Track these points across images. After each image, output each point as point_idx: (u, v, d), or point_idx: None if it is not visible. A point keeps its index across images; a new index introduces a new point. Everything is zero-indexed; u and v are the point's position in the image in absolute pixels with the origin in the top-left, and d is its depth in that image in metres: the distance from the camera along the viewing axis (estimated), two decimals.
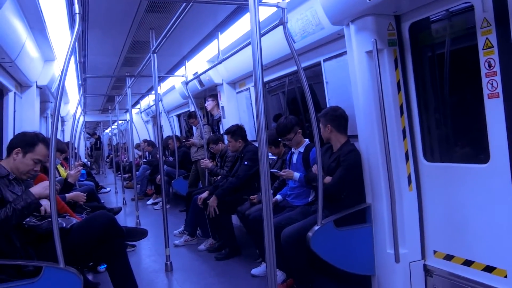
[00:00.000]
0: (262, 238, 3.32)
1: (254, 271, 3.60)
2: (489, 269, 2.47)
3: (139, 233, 3.76)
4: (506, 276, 2.37)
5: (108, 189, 10.10)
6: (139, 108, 11.88)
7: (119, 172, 10.93)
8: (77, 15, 2.36)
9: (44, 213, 2.56)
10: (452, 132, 2.85)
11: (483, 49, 2.31)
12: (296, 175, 3.44)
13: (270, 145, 3.98)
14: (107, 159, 19.06)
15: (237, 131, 4.48)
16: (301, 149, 3.62)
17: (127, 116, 11.41)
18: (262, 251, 3.68)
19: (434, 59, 2.82)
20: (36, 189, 2.38)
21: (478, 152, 2.55)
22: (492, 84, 2.29)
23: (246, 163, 4.22)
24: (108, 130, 19.96)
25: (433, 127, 2.89)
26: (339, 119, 3.16)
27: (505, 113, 2.26)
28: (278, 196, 3.75)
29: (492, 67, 2.28)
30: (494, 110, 2.31)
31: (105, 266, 3.44)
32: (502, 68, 2.24)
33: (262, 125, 1.77)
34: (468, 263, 2.60)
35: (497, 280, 2.41)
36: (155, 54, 3.88)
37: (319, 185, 2.81)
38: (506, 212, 2.32)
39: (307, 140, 3.68)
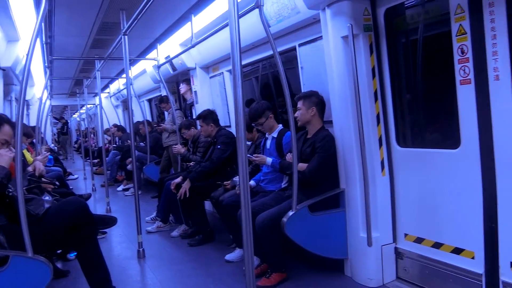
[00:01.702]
0: (235, 224, 3.34)
1: (228, 256, 3.59)
2: (457, 251, 2.55)
3: (108, 221, 3.69)
4: (473, 258, 2.45)
5: (76, 176, 9.86)
6: (108, 92, 11.58)
7: (87, 158, 10.67)
8: None
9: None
10: (425, 118, 2.90)
11: (456, 36, 2.34)
12: (269, 160, 3.42)
13: None
14: (75, 145, 18.59)
15: (208, 115, 4.44)
16: (274, 134, 3.61)
17: (96, 100, 11.11)
18: (236, 237, 3.68)
19: (409, 45, 2.84)
20: None
21: (450, 137, 2.60)
22: (464, 70, 2.33)
23: (219, 147, 4.19)
24: (76, 115, 19.44)
25: (406, 113, 2.93)
26: (322, 103, 3.16)
27: (476, 100, 2.31)
28: (252, 182, 3.73)
29: (465, 54, 2.31)
30: (465, 96, 2.36)
31: (75, 253, 3.36)
32: (474, 54, 2.28)
33: (240, 110, 1.74)
34: (437, 245, 2.68)
35: (465, 262, 2.50)
36: (126, 36, 3.75)
37: (294, 170, 2.81)
38: (474, 196, 2.39)
39: (280, 125, 3.66)
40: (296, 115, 3.12)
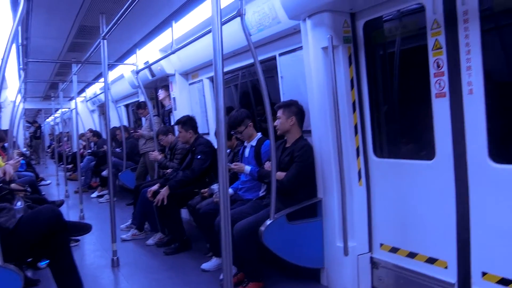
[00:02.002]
0: (212, 232, 3.31)
1: (205, 265, 3.55)
2: (431, 260, 2.60)
3: (82, 228, 3.61)
4: (446, 267, 2.50)
5: (48, 181, 9.62)
6: (84, 97, 11.38)
7: (61, 163, 10.43)
8: None
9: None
10: (401, 129, 2.96)
11: (432, 50, 2.41)
12: (247, 168, 3.42)
13: None
14: (48, 150, 18.15)
15: (188, 122, 4.40)
16: (253, 143, 3.61)
17: (72, 105, 10.89)
18: (213, 245, 3.64)
19: (386, 57, 2.90)
20: None
21: (425, 149, 2.66)
22: (439, 84, 2.40)
23: (199, 157, 4.14)
24: (50, 119, 19.00)
25: (383, 124, 2.98)
26: (302, 113, 3.19)
27: (450, 112, 2.38)
28: (230, 190, 3.71)
29: (440, 67, 2.38)
30: (440, 109, 2.43)
31: (46, 262, 3.26)
32: (449, 69, 2.35)
33: (221, 118, 1.73)
34: (412, 255, 2.72)
35: (439, 271, 2.54)
36: (105, 40, 3.70)
37: (273, 179, 2.81)
38: (448, 206, 2.44)
39: (259, 133, 3.67)
40: (275, 123, 3.14)
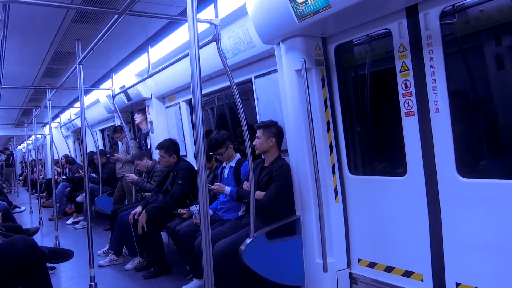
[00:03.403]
0: (192, 254, 3.31)
1: None
2: (407, 274, 2.67)
3: (63, 255, 3.55)
4: (422, 280, 2.58)
5: (22, 208, 9.37)
6: (58, 122, 11.22)
7: (34, 190, 10.17)
8: None
9: None
10: (374, 147, 3.07)
11: (400, 72, 2.54)
12: (227, 189, 3.46)
13: None
14: (20, 177, 17.70)
15: (171, 146, 4.37)
16: (232, 164, 3.66)
17: (45, 131, 10.72)
18: (193, 267, 3.63)
19: (357, 79, 3.03)
20: None
21: (397, 165, 2.76)
22: (408, 103, 2.52)
23: (180, 182, 4.13)
24: (21, 146, 18.58)
25: (356, 142, 3.08)
26: (281, 134, 3.26)
27: (419, 130, 2.50)
28: (209, 210, 3.73)
29: (408, 88, 2.51)
30: (410, 127, 2.55)
31: None
32: (416, 89, 2.48)
33: (200, 139, 1.78)
34: (389, 269, 2.79)
35: (415, 284, 2.61)
36: (81, 66, 3.72)
37: (252, 198, 2.86)
38: (421, 220, 2.54)
39: (238, 154, 3.72)
40: (254, 143, 3.20)
